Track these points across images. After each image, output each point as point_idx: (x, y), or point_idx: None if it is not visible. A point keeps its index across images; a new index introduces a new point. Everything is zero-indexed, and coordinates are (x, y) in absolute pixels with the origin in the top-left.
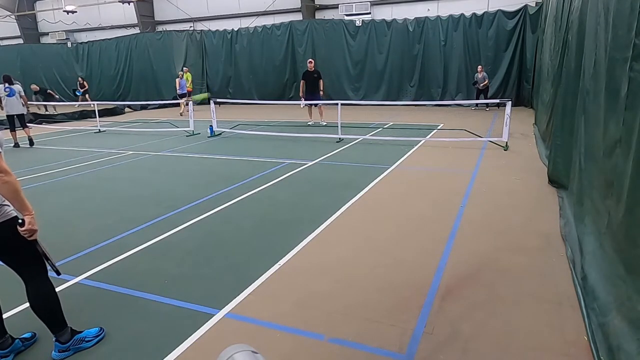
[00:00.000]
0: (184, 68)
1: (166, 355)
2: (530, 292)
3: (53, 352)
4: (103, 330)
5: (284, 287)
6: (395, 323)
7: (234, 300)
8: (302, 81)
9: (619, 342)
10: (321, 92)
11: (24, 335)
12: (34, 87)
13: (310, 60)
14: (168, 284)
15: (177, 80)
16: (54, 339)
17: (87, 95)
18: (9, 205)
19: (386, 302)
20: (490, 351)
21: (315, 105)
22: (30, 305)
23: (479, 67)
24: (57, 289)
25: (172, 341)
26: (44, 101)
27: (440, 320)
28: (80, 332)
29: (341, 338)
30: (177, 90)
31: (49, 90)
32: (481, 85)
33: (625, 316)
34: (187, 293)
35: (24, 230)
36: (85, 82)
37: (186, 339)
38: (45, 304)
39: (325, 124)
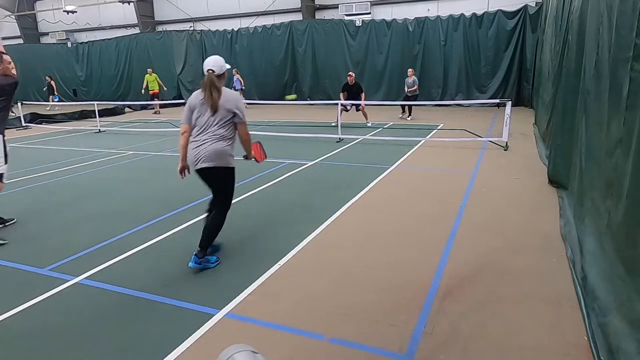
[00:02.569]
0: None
1: (166, 355)
2: (530, 292)
3: (190, 262)
4: (219, 259)
5: (284, 287)
6: (395, 323)
7: (234, 300)
8: (341, 93)
9: (618, 342)
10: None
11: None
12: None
13: (351, 73)
14: (168, 284)
15: (238, 77)
16: (194, 253)
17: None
18: (232, 156)
19: (386, 302)
20: (490, 351)
21: (354, 106)
22: (206, 222)
23: (410, 70)
24: (56, 288)
25: (172, 341)
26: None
27: (440, 320)
28: (208, 257)
29: (341, 338)
30: (235, 86)
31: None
32: (409, 90)
33: (625, 316)
34: (187, 293)
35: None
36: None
37: (186, 339)
38: (213, 226)
39: (370, 124)
